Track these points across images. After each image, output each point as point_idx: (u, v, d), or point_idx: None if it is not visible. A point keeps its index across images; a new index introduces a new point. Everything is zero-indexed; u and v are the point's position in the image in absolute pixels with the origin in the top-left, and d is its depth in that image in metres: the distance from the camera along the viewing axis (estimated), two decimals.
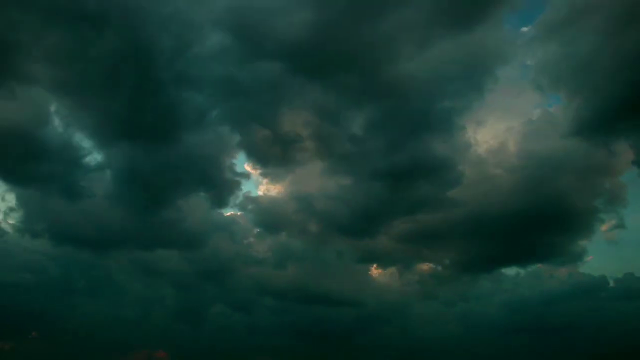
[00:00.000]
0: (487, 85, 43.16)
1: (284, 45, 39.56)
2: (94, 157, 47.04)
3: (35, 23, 35.79)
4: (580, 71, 37.54)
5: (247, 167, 49.66)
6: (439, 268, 49.60)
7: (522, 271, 52.94)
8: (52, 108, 42.08)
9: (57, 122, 43.06)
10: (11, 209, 45.83)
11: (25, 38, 35.84)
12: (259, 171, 49.03)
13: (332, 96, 42.68)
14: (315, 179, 47.36)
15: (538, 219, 44.04)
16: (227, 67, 41.31)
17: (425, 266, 49.86)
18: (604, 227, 48.57)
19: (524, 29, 49.81)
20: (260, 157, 46.45)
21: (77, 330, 45.60)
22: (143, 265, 47.62)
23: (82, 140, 45.55)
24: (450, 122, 42.53)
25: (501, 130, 48.88)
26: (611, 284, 49.20)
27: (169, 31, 38.47)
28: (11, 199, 55.05)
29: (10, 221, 46.79)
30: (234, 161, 46.86)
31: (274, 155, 45.35)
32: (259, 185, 52.22)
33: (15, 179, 44.41)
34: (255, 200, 49.27)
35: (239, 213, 50.55)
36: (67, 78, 38.85)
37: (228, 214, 52.50)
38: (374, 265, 51.07)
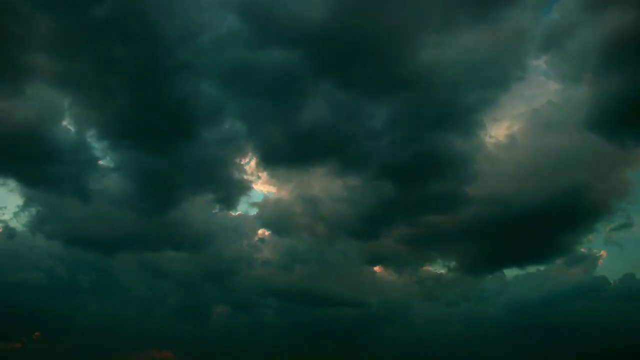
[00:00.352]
0: (513, 75, 42.07)
1: (298, 32, 38.18)
2: (101, 156, 46.57)
3: (37, 13, 35.49)
4: (599, 61, 36.96)
5: (257, 169, 49.59)
6: (444, 270, 50.39)
7: (522, 272, 53.89)
8: (65, 104, 42.01)
9: (66, 122, 43.09)
10: (21, 209, 45.33)
11: (26, 30, 35.59)
12: (267, 172, 49.14)
13: (348, 90, 41.41)
14: (323, 180, 47.52)
15: (542, 219, 44.35)
16: (239, 55, 40.22)
17: (430, 268, 50.56)
18: (609, 227, 49.68)
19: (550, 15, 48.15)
20: (269, 157, 46.16)
21: (85, 330, 45.69)
22: (151, 266, 47.87)
23: (92, 139, 45.01)
24: (470, 118, 41.26)
25: (511, 125, 48.20)
26: (612, 284, 50.05)
27: (177, 19, 37.76)
28: (17, 198, 54.80)
29: (21, 221, 46.72)
30: (243, 161, 46.98)
31: (284, 154, 44.83)
32: (266, 186, 52.10)
33: (23, 179, 44.34)
34: (262, 201, 49.66)
35: (246, 214, 51.01)
36: (71, 76, 39.06)
37: (236, 214, 52.65)
38: (380, 267, 51.58)
